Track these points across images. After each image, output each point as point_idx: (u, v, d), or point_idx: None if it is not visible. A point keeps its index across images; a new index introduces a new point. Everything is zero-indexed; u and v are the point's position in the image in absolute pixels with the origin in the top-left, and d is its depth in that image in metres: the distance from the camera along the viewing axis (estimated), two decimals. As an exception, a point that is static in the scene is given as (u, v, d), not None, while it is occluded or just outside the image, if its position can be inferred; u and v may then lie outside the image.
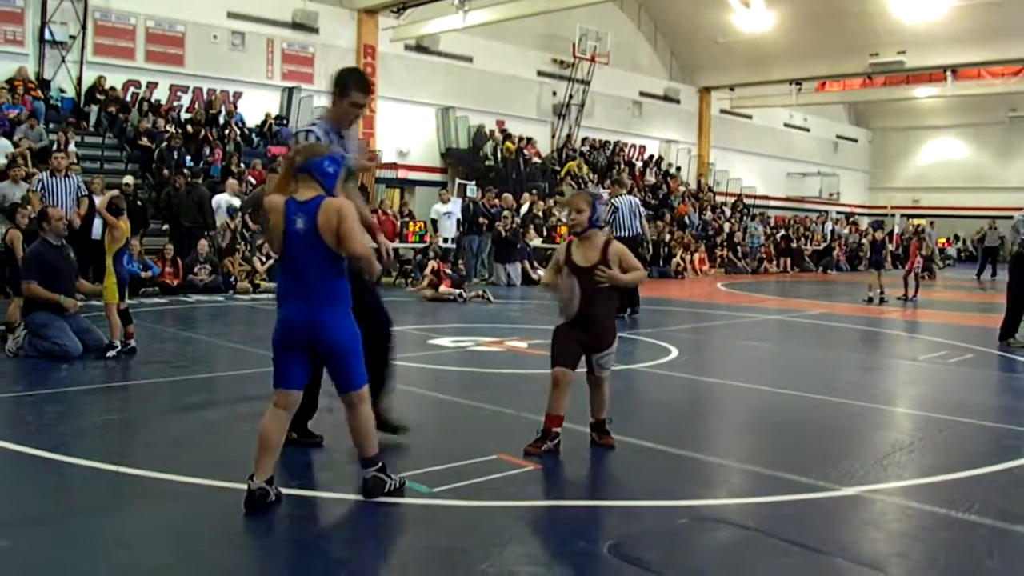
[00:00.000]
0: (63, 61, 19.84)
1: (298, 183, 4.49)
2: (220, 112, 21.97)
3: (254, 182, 18.95)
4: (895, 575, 3.88)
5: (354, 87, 5.35)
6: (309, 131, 5.33)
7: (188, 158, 19.04)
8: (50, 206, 9.90)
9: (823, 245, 33.06)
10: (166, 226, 17.28)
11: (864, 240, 32.71)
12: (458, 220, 21.12)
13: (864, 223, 39.13)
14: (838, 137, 45.65)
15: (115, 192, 10.53)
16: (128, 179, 17.05)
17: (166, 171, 17.08)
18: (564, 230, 21.17)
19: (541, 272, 19.39)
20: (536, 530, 4.36)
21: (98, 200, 12.52)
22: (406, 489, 4.66)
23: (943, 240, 31.63)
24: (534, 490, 4.95)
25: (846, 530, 4.43)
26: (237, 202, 17.58)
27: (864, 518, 4.64)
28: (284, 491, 4.64)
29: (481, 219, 20.77)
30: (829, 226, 35.40)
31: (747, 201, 36.15)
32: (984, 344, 11.48)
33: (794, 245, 31.22)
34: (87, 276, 12.10)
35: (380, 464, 4.60)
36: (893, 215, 40.36)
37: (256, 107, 23.23)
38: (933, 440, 6.41)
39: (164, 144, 18.70)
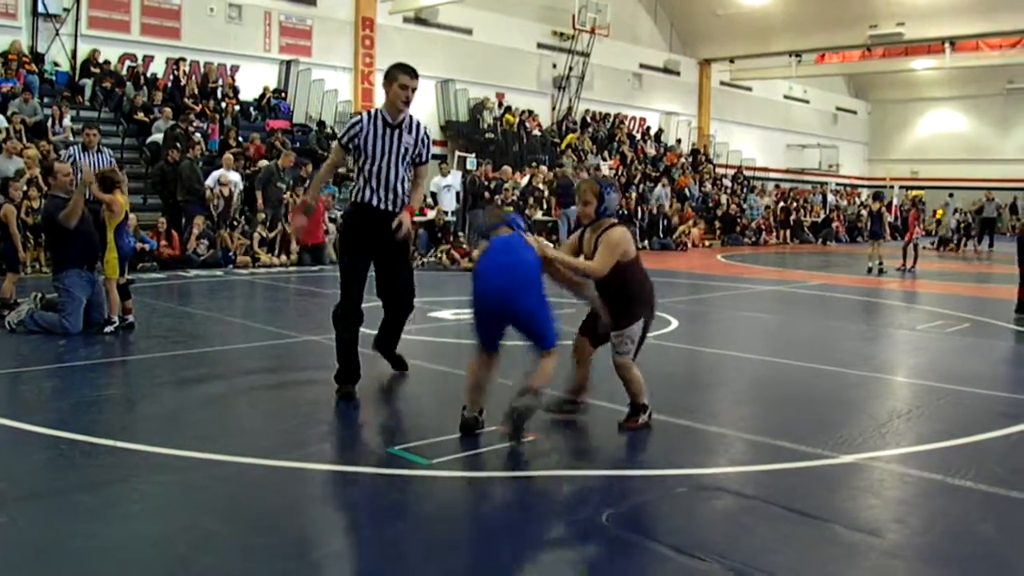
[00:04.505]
0: (57, 34, 19.68)
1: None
2: (218, 86, 21.86)
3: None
4: (893, 540, 3.89)
5: (399, 72, 6.13)
6: (355, 116, 6.32)
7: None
8: (58, 160, 9.78)
9: (822, 217, 33.01)
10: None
11: (863, 211, 32.67)
12: (457, 193, 21.07)
13: (864, 194, 39.09)
14: (837, 109, 45.50)
15: (106, 167, 10.49)
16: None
17: (173, 149, 16.84)
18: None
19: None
20: (536, 500, 4.37)
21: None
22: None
23: (940, 212, 31.54)
24: (534, 461, 4.96)
25: (845, 497, 4.45)
26: (235, 176, 17.51)
27: (862, 485, 4.66)
28: (284, 464, 4.67)
29: (485, 193, 20.70)
30: (829, 198, 35.35)
31: (747, 173, 36.05)
32: (981, 314, 11.50)
33: (793, 217, 31.17)
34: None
35: (535, 394, 5.01)
36: (892, 187, 40.28)
37: (254, 81, 23.08)
38: (930, 408, 6.43)
39: (171, 126, 18.50)
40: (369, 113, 6.29)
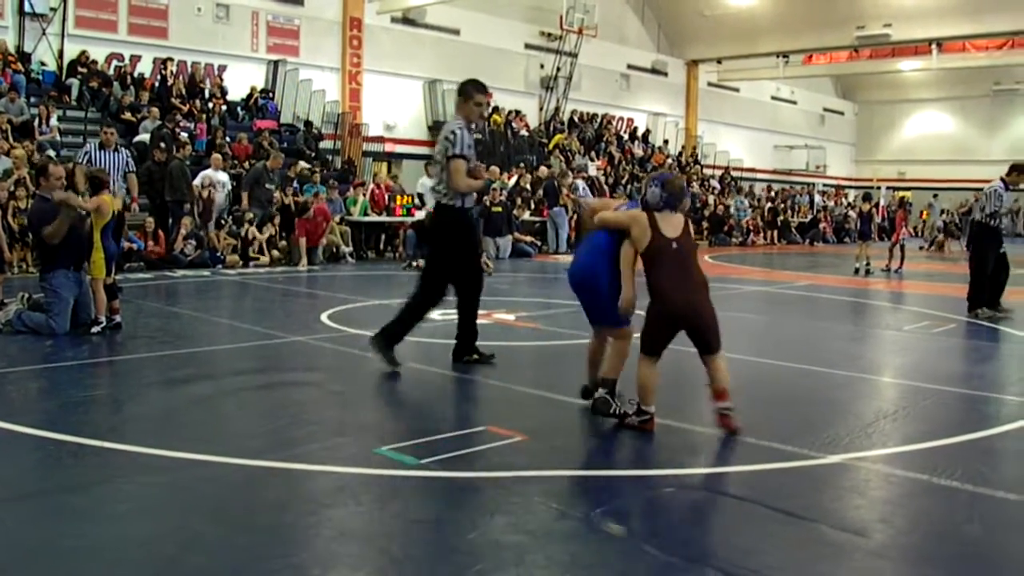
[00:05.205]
0: (44, 34, 19.59)
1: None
2: (205, 85, 21.80)
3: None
4: (878, 541, 3.91)
5: (474, 91, 7.16)
6: (455, 130, 6.98)
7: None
8: (52, 162, 9.69)
9: (809, 217, 33.11)
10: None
11: (850, 212, 32.78)
12: (444, 193, 21.02)
13: (852, 195, 39.21)
14: (825, 110, 45.63)
15: (91, 168, 10.44)
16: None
17: (157, 149, 16.74)
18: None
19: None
20: (523, 500, 4.37)
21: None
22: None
23: (926, 213, 31.64)
24: (521, 461, 4.96)
25: (831, 497, 4.47)
26: (224, 176, 17.46)
27: (848, 485, 4.68)
28: (272, 464, 4.67)
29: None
30: (816, 198, 35.45)
31: (734, 174, 36.12)
32: (966, 314, 11.55)
33: (781, 218, 31.23)
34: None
35: (610, 389, 5.60)
36: (879, 188, 40.44)
37: (241, 80, 23.04)
38: (916, 408, 6.46)
39: (158, 126, 18.43)
40: (461, 123, 7.09)
